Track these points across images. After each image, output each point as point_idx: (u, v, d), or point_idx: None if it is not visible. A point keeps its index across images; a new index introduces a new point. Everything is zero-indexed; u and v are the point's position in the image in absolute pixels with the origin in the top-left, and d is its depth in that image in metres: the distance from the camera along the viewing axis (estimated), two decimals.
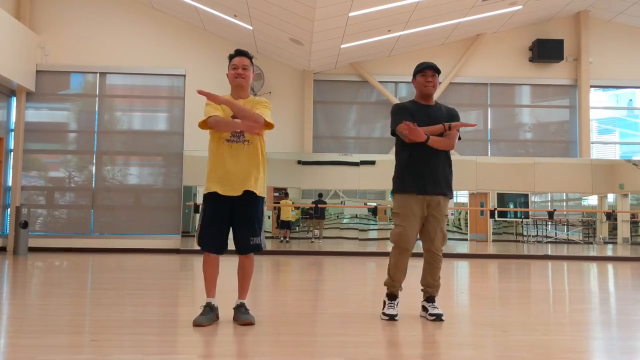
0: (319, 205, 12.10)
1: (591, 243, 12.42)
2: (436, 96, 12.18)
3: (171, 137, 12.25)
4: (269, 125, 3.79)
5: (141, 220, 11.96)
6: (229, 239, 3.81)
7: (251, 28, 11.08)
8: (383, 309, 4.08)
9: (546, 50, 12.53)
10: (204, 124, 3.72)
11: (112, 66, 12.14)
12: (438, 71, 4.12)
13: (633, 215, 12.60)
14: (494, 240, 12.47)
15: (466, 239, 12.59)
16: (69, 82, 12.25)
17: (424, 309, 4.09)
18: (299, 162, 12.20)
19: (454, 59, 12.69)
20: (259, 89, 11.99)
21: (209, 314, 3.71)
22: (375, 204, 12.15)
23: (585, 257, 11.78)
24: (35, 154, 12.04)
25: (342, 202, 12.44)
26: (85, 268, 7.99)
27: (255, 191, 3.73)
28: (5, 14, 10.36)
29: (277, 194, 12.10)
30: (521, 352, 3.06)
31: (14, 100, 11.78)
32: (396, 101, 12.29)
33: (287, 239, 12.25)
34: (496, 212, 12.34)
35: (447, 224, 4.38)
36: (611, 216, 12.49)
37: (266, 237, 12.14)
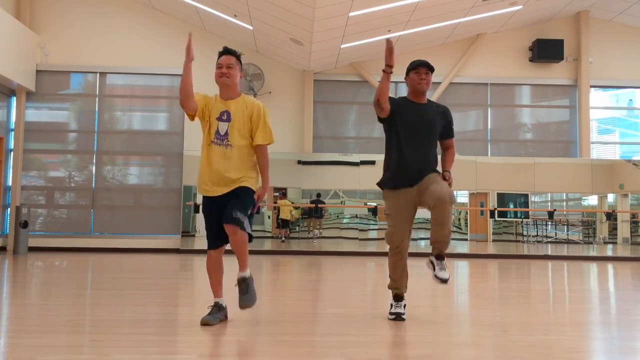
0: (318, 205, 12.10)
1: (591, 243, 12.42)
2: (436, 96, 12.20)
3: (171, 137, 12.25)
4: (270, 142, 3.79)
5: (141, 220, 11.96)
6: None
7: (251, 28, 11.08)
8: (390, 310, 4.02)
9: (546, 50, 12.53)
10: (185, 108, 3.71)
11: (112, 66, 12.14)
12: (432, 69, 4.07)
13: (633, 215, 12.60)
14: (494, 240, 12.48)
15: (466, 239, 12.60)
16: (69, 82, 12.25)
17: (432, 265, 3.86)
18: (299, 162, 12.20)
19: (454, 59, 12.69)
20: (259, 88, 12.00)
21: (217, 313, 3.69)
22: (375, 204, 12.14)
23: (585, 257, 11.77)
24: (35, 154, 12.04)
25: (342, 202, 12.44)
26: (85, 268, 7.99)
27: (243, 185, 3.69)
28: (5, 14, 10.36)
29: (276, 194, 12.11)
30: (521, 352, 3.06)
31: (14, 100, 11.78)
32: None
33: (285, 239, 12.25)
34: (496, 212, 12.34)
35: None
36: (611, 216, 12.49)
37: (266, 237, 12.26)
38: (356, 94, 12.80)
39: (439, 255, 3.86)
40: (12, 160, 11.75)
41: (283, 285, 6.53)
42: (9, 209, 11.61)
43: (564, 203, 12.90)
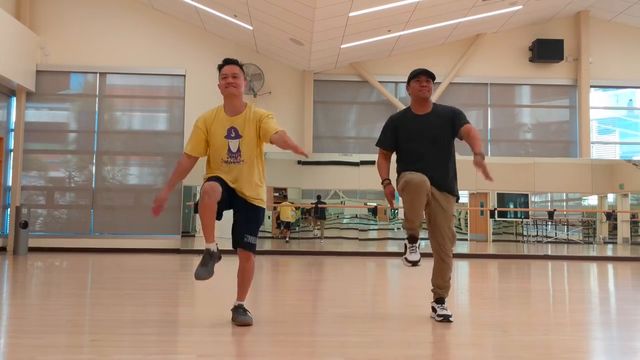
0: (319, 206, 12.10)
1: (591, 243, 12.42)
2: (436, 96, 12.17)
3: (171, 137, 12.25)
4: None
5: (141, 220, 11.96)
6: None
7: (251, 28, 11.08)
8: (405, 254, 3.95)
9: (546, 50, 12.52)
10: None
11: (112, 66, 12.14)
12: (432, 76, 4.10)
13: (633, 215, 12.60)
14: (494, 240, 12.47)
15: (466, 239, 12.60)
16: (69, 82, 12.25)
17: (434, 309, 4.03)
18: (299, 162, 12.20)
19: (454, 59, 12.69)
20: (259, 89, 11.99)
21: (209, 262, 3.50)
22: (375, 204, 12.14)
23: (585, 257, 11.77)
24: (35, 154, 12.04)
25: (342, 202, 12.44)
26: (85, 268, 7.99)
27: (256, 204, 3.74)
28: (5, 14, 10.36)
29: (277, 194, 12.10)
30: (521, 352, 3.06)
31: (14, 100, 11.78)
32: (396, 101, 12.30)
33: (287, 239, 12.25)
34: (496, 212, 12.34)
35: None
36: (611, 216, 12.49)
37: (266, 237, 12.25)
38: (356, 94, 12.80)
39: (439, 299, 4.02)
40: (12, 160, 11.74)
41: (283, 285, 6.53)
42: (9, 209, 11.61)
43: (564, 203, 12.90)
